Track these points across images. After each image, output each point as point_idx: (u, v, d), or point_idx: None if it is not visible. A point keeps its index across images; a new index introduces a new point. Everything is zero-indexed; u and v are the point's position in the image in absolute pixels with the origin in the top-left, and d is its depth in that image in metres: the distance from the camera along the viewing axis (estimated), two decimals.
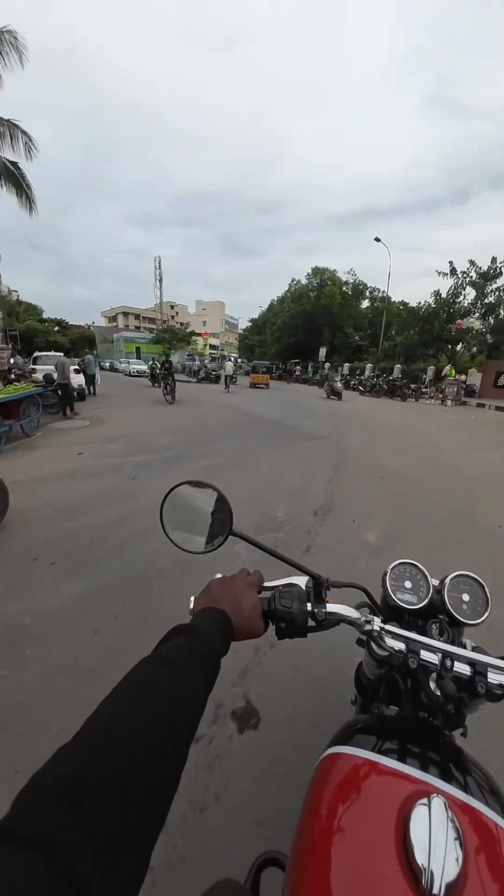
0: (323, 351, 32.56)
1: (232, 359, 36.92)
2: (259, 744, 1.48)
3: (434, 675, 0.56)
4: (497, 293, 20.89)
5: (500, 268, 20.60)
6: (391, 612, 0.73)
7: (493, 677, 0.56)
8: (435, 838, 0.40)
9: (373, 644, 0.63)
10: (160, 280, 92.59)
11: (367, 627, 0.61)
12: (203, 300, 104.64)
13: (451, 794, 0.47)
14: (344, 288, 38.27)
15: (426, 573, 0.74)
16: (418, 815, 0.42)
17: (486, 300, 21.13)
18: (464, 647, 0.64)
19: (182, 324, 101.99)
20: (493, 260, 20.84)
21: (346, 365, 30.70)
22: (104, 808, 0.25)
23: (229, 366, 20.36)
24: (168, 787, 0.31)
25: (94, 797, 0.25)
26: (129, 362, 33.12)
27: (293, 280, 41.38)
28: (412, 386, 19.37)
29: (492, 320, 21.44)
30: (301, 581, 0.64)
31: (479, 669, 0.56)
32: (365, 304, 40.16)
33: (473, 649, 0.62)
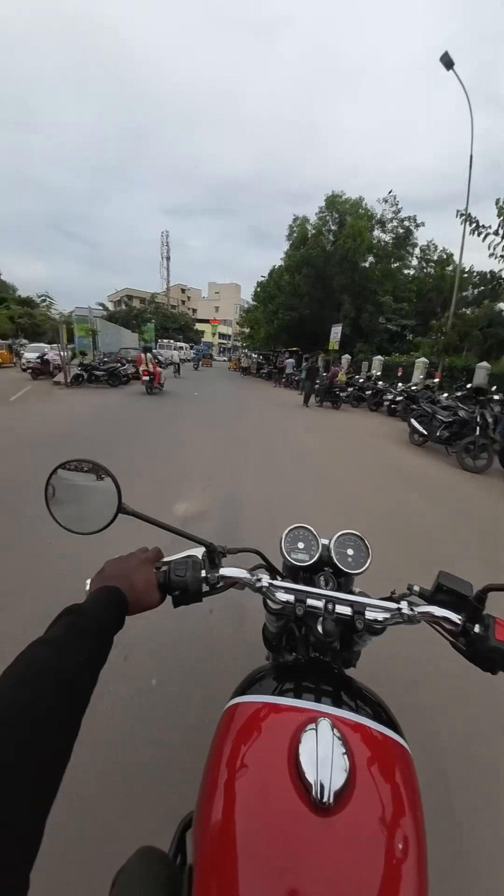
0: (336, 332, 18.40)
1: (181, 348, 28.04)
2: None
3: (321, 618, 0.62)
4: None
5: None
6: (289, 572, 0.79)
7: (371, 614, 0.62)
8: (322, 755, 0.45)
9: (267, 600, 0.68)
10: (167, 258, 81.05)
11: (258, 585, 0.65)
12: (217, 282, 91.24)
13: (338, 716, 0.52)
14: (378, 232, 23.34)
15: (316, 534, 0.79)
16: (306, 739, 0.47)
17: None
18: (352, 594, 0.68)
19: (192, 309, 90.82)
20: None
21: (379, 359, 16.73)
22: None
23: (175, 355, 21.00)
24: (55, 767, 0.33)
25: None
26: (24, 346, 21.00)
27: (295, 219, 24.50)
28: None
29: None
30: (199, 552, 0.67)
31: (357, 609, 0.62)
32: (413, 264, 24.83)
33: (358, 594, 0.68)
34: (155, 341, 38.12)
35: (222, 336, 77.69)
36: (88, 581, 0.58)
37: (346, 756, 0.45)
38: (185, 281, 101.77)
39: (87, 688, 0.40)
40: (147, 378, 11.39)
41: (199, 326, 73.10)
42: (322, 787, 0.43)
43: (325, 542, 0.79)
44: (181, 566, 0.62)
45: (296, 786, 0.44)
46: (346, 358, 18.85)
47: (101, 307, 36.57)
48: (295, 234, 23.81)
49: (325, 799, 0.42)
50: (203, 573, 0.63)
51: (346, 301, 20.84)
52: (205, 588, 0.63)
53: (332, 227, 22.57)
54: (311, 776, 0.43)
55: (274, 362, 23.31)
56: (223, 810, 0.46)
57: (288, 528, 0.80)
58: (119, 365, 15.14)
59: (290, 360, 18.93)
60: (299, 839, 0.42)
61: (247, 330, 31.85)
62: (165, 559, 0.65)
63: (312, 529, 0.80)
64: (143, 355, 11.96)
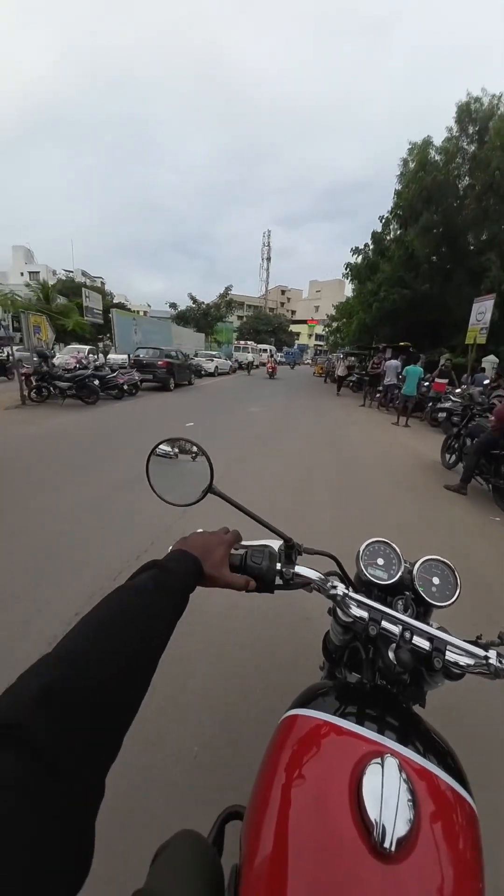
0: (484, 309, 10.37)
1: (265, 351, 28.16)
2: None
3: (393, 645, 0.59)
4: None
5: None
6: (363, 586, 0.74)
7: (452, 656, 0.58)
8: (387, 795, 0.42)
9: (338, 610, 0.67)
10: (268, 259, 77.41)
11: (332, 592, 0.63)
12: (318, 280, 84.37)
13: (405, 756, 0.49)
14: None
15: (399, 553, 0.76)
16: (371, 773, 0.45)
17: None
18: (430, 627, 0.63)
19: (290, 311, 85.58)
20: None
21: None
22: (74, 712, 0.29)
23: (249, 356, 27.41)
24: (123, 718, 0.34)
25: (66, 702, 0.29)
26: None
27: (411, 148, 15.12)
28: None
29: None
30: (276, 544, 0.67)
31: (437, 646, 0.58)
32: None
33: (438, 629, 0.63)
34: (229, 342, 33.61)
35: (319, 337, 70.81)
36: (171, 547, 0.59)
37: (411, 803, 0.43)
38: (294, 285, 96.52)
39: (164, 641, 0.42)
40: (270, 370, 21.81)
41: (294, 328, 67.56)
42: (384, 830, 0.40)
43: (408, 564, 0.75)
44: (258, 554, 0.63)
45: (355, 821, 0.43)
46: (490, 360, 10.95)
47: (171, 307, 33.20)
48: (412, 166, 15.00)
49: (386, 844, 0.40)
50: (278, 566, 0.63)
51: (492, 264, 12.64)
52: (278, 581, 0.63)
53: (469, 149, 14.12)
54: (373, 814, 0.41)
55: (366, 366, 16.01)
56: (277, 823, 0.46)
57: (367, 541, 0.77)
58: (104, 373, 9.86)
59: (393, 363, 11.52)
60: (355, 880, 0.40)
61: (334, 324, 24.22)
62: (244, 543, 0.66)
63: (396, 547, 0.76)
64: (270, 357, 24.94)
